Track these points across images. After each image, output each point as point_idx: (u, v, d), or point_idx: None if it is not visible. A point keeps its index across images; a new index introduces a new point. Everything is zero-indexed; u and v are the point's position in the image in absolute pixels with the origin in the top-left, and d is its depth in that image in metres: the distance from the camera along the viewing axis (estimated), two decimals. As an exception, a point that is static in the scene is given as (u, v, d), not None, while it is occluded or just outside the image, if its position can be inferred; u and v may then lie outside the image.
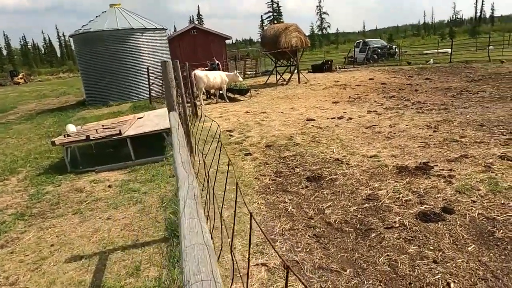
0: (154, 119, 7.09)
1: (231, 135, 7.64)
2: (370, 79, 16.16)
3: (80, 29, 14.69)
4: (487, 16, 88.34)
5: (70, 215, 4.29)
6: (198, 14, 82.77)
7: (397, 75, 16.96)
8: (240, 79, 12.72)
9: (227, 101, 12.60)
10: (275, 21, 72.90)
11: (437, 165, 4.86)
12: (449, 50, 28.85)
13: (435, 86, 12.52)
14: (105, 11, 15.63)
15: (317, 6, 79.74)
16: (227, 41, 26.27)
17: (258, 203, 4.24)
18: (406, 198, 4.00)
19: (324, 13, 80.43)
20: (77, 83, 30.04)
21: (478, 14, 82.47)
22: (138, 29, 14.58)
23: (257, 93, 14.36)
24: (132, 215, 4.13)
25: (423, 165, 4.92)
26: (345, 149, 6.06)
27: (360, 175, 4.85)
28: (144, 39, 14.84)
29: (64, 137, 6.18)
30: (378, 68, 20.66)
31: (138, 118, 7.39)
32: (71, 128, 6.46)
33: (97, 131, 6.28)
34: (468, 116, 7.56)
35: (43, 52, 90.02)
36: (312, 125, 7.95)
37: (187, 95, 13.00)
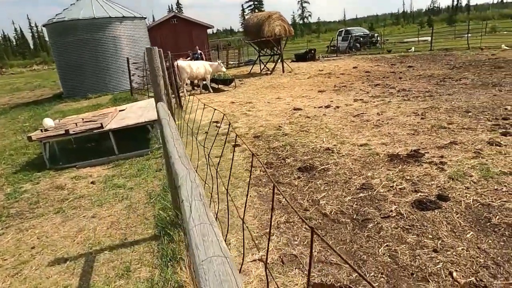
0: (137, 111, 6.81)
1: (217, 126, 7.45)
2: (354, 67, 16.18)
3: (54, 18, 13.97)
4: (463, 5, 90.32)
5: (52, 215, 4.05)
6: (178, 3, 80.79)
7: (380, 63, 17.05)
8: (224, 69, 12.45)
9: (211, 91, 12.33)
10: (256, 10, 72.08)
11: (427, 152, 4.85)
12: (429, 38, 29.40)
13: (418, 74, 12.63)
14: (79, -1, 14.93)
15: (298, -5, 79.17)
16: (208, 31, 25.77)
17: (250, 196, 4.12)
18: (400, 187, 3.96)
19: (305, 1, 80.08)
20: (52, 76, 28.89)
21: (455, 3, 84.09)
22: (116, 17, 13.99)
23: (242, 83, 14.14)
24: (119, 213, 3.92)
25: (414, 153, 4.90)
26: (335, 138, 5.99)
27: (352, 164, 4.78)
28: (122, 28, 14.27)
29: (41, 131, 5.84)
30: (361, 57, 20.73)
31: (120, 111, 7.09)
32: (48, 122, 6.11)
33: (76, 125, 5.97)
34: (453, 103, 7.63)
35: (14, 43, 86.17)
36: (299, 115, 7.85)
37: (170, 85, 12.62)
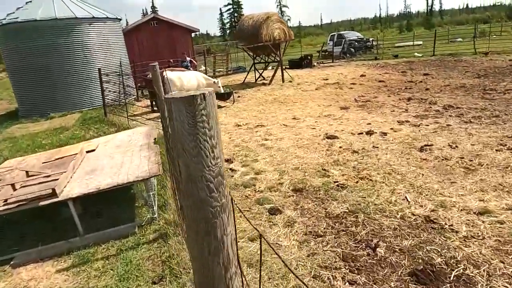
0: (115, 154, 4.52)
1: (232, 170, 5.24)
2: (361, 75, 14.37)
3: (4, 19, 11.30)
4: (436, 9, 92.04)
5: None
6: (153, 6, 77.41)
7: (387, 71, 15.37)
8: (222, 90, 10.23)
9: (205, 108, 10.08)
10: (236, 14, 70.26)
11: None
12: (421, 43, 28.36)
13: (444, 84, 10.93)
14: (38, -4, 12.28)
15: (277, -1, 77.80)
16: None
17: None
18: None
19: (284, 6, 78.62)
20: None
21: (430, 8, 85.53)
22: (83, 18, 11.47)
23: (239, 96, 11.96)
24: None
25: None
26: (422, 194, 3.96)
27: (502, 262, 2.75)
28: (92, 31, 11.76)
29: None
30: (361, 63, 19.04)
31: (88, 152, 4.77)
32: (-34, 181, 3.73)
33: (14, 187, 3.63)
34: (539, 127, 5.81)
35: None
36: (340, 147, 5.79)
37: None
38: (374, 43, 24.06)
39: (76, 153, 4.66)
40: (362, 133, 6.46)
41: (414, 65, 16.19)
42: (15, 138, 8.92)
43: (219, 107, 10.52)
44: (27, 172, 4.05)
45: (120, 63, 11.60)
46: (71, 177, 3.84)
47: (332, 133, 6.60)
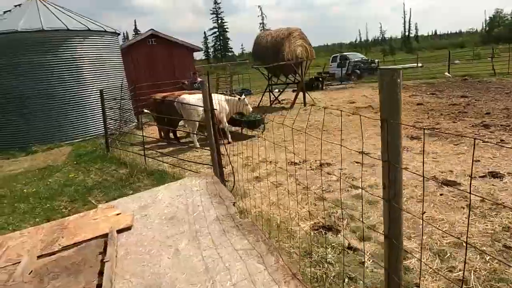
0: (176, 240, 2.53)
1: (351, 249, 3.29)
2: (390, 98, 12.92)
3: (-24, 31, 9.17)
4: (412, 35, 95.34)
5: None
6: (135, 29, 75.94)
7: (413, 93, 14.09)
8: (250, 108, 8.47)
9: (230, 140, 8.15)
10: (221, 37, 69.83)
11: None
12: (421, 64, 27.91)
13: (501, 107, 9.56)
14: (19, 4, 10.23)
15: (260, 23, 78.33)
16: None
17: None
18: None
19: (268, 30, 79.12)
20: None
21: (407, 33, 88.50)
22: (76, 31, 9.46)
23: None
24: None
25: None
26: None
27: None
28: (87, 46, 9.73)
29: None
30: (375, 85, 17.79)
31: (118, 232, 2.73)
32: None
33: None
34: None
35: None
36: (481, 201, 3.98)
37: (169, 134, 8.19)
38: (379, 64, 23.13)
39: (100, 236, 2.63)
40: (485, 176, 4.72)
41: (439, 87, 15.03)
42: (-16, 183, 6.62)
43: (248, 137, 8.62)
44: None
45: (122, 84, 9.58)
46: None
47: (441, 176, 4.82)
